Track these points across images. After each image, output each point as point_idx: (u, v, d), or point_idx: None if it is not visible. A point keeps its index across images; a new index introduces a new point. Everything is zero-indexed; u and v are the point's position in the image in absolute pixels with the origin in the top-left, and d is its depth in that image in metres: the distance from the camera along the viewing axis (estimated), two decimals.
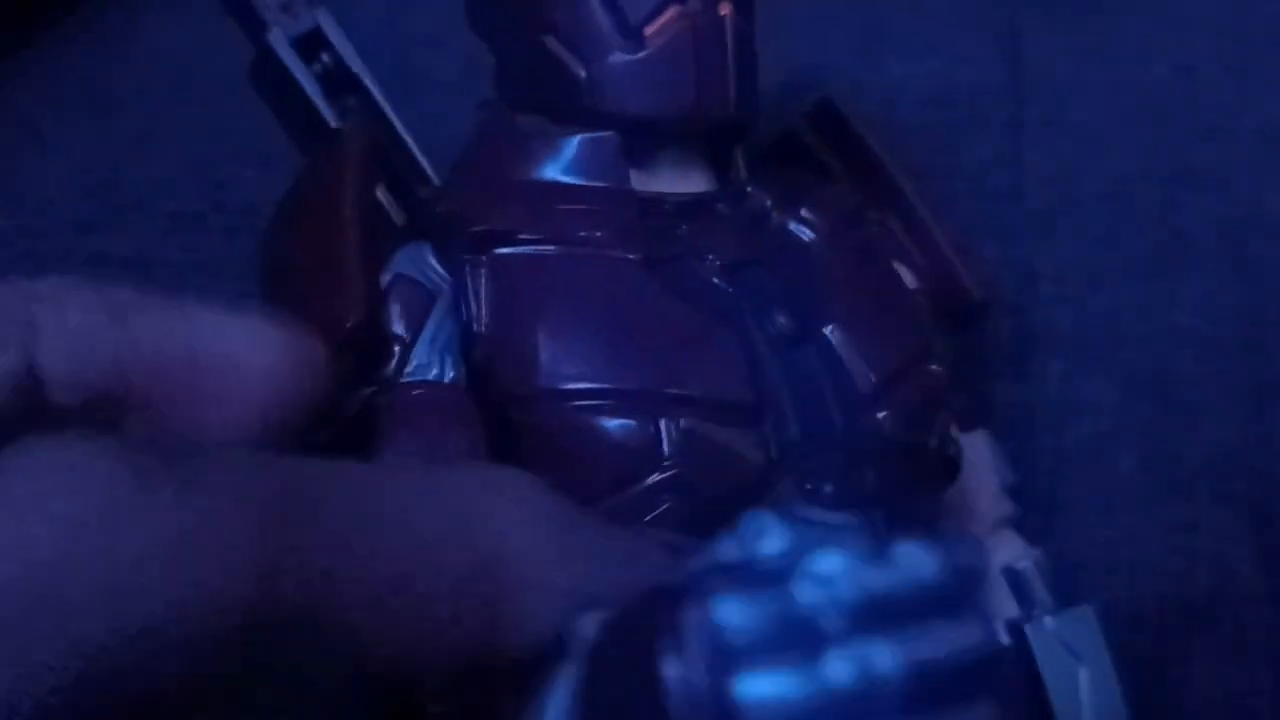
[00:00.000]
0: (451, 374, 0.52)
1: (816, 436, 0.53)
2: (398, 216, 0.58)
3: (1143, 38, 0.74)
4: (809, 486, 0.52)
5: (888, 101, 0.71)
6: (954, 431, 0.58)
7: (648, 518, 0.50)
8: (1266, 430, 0.70)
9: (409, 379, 0.52)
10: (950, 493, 0.60)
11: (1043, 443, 0.70)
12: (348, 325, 0.51)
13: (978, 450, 0.63)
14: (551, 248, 0.53)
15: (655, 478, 0.50)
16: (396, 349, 0.52)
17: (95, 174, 0.73)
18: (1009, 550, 0.63)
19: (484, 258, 0.53)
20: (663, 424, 0.50)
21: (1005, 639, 0.60)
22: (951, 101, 0.73)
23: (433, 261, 0.54)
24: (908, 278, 0.61)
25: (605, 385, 0.51)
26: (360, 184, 0.53)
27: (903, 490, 0.55)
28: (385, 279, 0.53)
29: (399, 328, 0.52)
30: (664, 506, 0.50)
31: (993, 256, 0.68)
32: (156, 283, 0.68)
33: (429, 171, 0.59)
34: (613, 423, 0.50)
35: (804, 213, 0.58)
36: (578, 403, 0.51)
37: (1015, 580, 0.62)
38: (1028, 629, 0.60)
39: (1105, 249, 0.71)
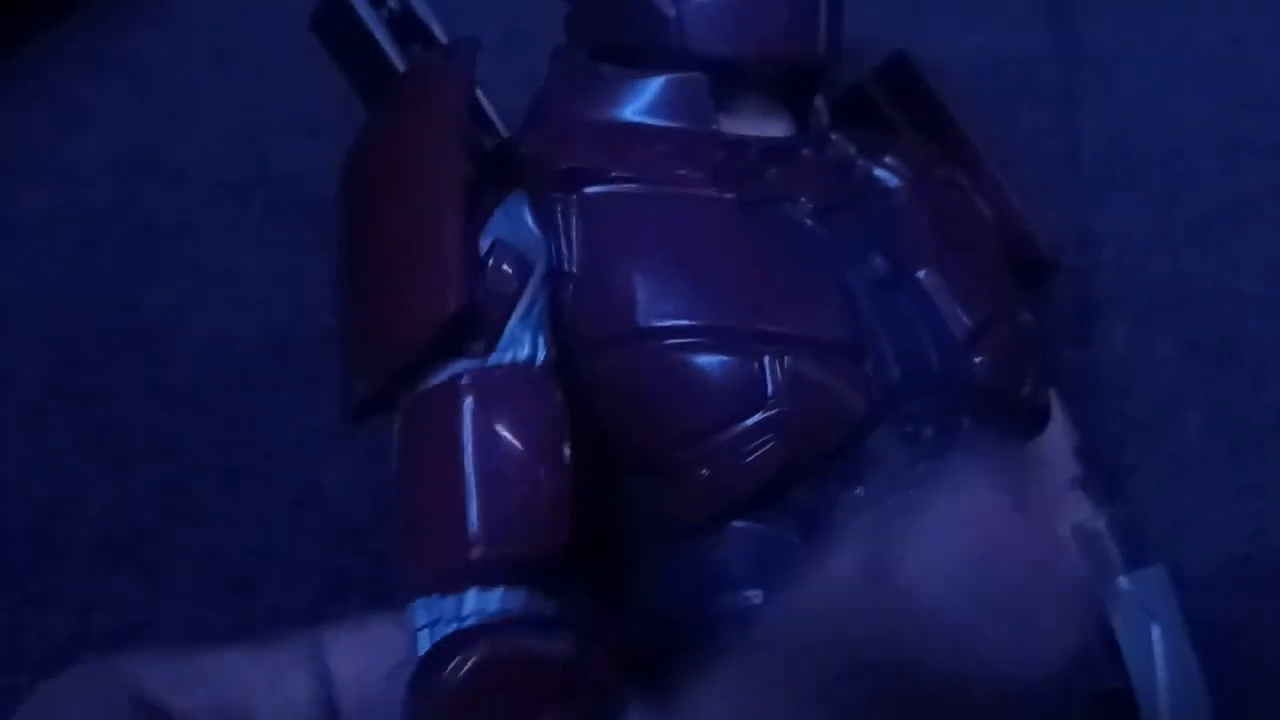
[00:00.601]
0: (543, 353, 0.50)
1: (916, 379, 0.52)
2: None
3: (1190, 6, 0.73)
4: (909, 429, 0.51)
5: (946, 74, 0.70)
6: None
7: (749, 459, 0.49)
8: None
9: (497, 359, 0.50)
10: (1027, 449, 0.59)
11: (1107, 406, 0.70)
12: (449, 312, 0.49)
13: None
14: (642, 186, 0.52)
15: (759, 416, 0.49)
16: (490, 325, 0.50)
17: (137, 145, 0.72)
18: (1080, 511, 0.62)
19: (574, 196, 0.52)
20: (766, 361, 0.49)
21: None
22: (1002, 72, 0.73)
23: (530, 222, 0.52)
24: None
25: (703, 322, 0.50)
26: (462, 128, 0.52)
27: (996, 438, 0.54)
28: (484, 244, 0.51)
29: (494, 303, 0.50)
30: (767, 446, 0.49)
31: (1055, 223, 0.67)
32: (201, 251, 0.70)
33: (497, 121, 0.58)
34: (713, 360, 0.49)
35: (889, 160, 0.57)
36: (674, 340, 0.50)
37: (1088, 540, 0.61)
38: (1101, 588, 0.60)
39: (1165, 213, 0.71)
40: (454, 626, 0.48)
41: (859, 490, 0.50)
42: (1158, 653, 0.60)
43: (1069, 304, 0.70)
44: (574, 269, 0.51)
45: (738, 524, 0.50)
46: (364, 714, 0.49)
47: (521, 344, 0.50)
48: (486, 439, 0.48)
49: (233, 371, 0.70)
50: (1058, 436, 0.63)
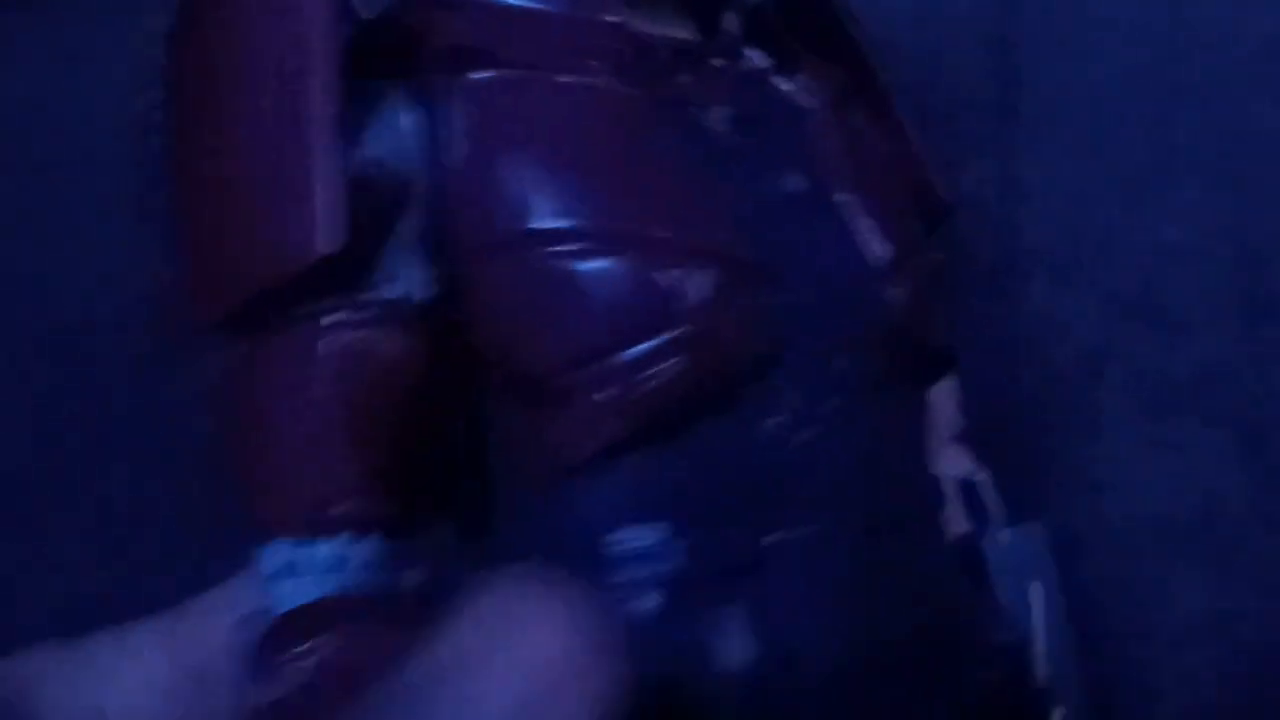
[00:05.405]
0: (418, 290, 0.46)
1: (829, 305, 0.48)
2: None
3: None
4: (819, 359, 0.48)
5: (878, 21, 0.68)
6: None
7: (654, 382, 0.45)
8: (1258, 349, 0.67)
9: (367, 297, 0.45)
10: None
11: (1025, 360, 0.68)
12: (315, 256, 0.44)
13: None
14: (537, 73, 0.46)
15: (666, 335, 0.44)
16: (361, 255, 0.45)
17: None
18: (963, 464, 0.60)
19: (458, 80, 0.46)
20: (677, 275, 0.44)
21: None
22: (942, 20, 0.71)
23: (405, 123, 0.46)
24: None
25: (601, 225, 0.45)
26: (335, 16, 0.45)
27: (904, 378, 0.52)
28: (356, 161, 0.45)
29: (366, 229, 0.45)
30: (676, 368, 0.44)
31: (983, 173, 0.66)
32: None
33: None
34: (614, 270, 0.45)
35: (803, 80, 0.53)
36: (566, 246, 0.45)
37: (970, 493, 0.59)
38: (982, 541, 0.58)
39: (1096, 163, 0.69)
40: (307, 579, 0.45)
41: (770, 421, 0.46)
42: (1035, 609, 0.58)
43: (986, 255, 0.68)
44: (455, 164, 0.45)
45: (629, 458, 0.46)
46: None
47: (394, 278, 0.46)
48: (343, 388, 0.45)
49: (122, 315, 0.68)
50: (944, 390, 0.61)
